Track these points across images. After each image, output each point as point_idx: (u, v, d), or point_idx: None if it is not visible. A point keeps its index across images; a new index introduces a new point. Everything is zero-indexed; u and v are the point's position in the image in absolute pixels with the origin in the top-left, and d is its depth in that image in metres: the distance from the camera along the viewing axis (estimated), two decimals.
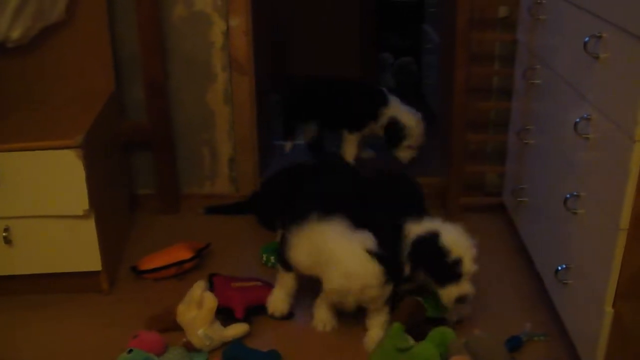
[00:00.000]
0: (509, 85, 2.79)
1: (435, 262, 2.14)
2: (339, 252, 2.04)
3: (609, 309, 1.76)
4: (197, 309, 2.12)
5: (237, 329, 2.17)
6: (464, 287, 2.15)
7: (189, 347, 2.11)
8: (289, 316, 2.31)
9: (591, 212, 1.87)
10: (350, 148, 3.32)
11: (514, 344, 2.13)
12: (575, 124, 1.89)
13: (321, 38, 4.89)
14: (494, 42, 2.89)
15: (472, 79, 2.84)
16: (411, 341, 2.03)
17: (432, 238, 2.15)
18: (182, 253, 2.55)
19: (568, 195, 1.96)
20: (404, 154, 3.27)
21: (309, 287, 2.34)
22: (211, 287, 2.29)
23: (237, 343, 2.14)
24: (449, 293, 2.15)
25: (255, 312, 2.30)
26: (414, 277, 2.21)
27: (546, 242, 2.29)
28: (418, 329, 2.12)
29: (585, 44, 1.81)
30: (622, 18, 1.65)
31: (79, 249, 2.36)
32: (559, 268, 2.04)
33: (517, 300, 2.41)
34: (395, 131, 3.21)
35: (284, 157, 3.45)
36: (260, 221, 2.92)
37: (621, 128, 1.65)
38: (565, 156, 2.08)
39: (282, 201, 2.62)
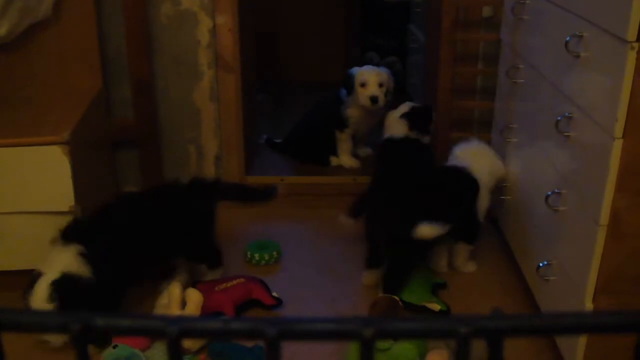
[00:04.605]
0: (493, 85, 2.82)
1: None
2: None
3: (589, 305, 1.78)
4: (178, 308, 2.12)
5: None
6: None
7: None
8: (276, 305, 2.34)
9: (572, 209, 1.90)
10: (344, 145, 3.38)
11: None
12: (557, 122, 1.92)
13: (306, 37, 4.92)
14: (478, 42, 2.92)
15: (456, 78, 2.87)
16: (390, 339, 2.05)
17: None
18: None
19: (549, 193, 1.99)
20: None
21: (303, 280, 2.36)
22: None
23: None
24: None
25: (245, 308, 2.32)
26: None
27: (528, 239, 2.32)
28: None
29: (566, 43, 1.84)
30: (601, 18, 1.68)
31: None
32: (541, 264, 2.07)
33: (500, 296, 2.44)
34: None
35: (270, 155, 3.49)
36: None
37: (601, 126, 1.68)
38: (547, 154, 2.11)
39: None
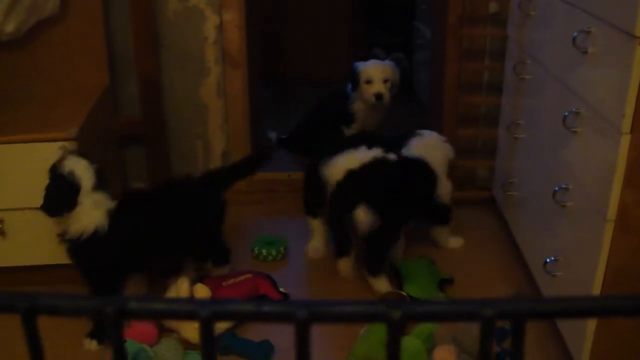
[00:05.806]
0: (500, 81, 2.82)
1: None
2: None
3: None
4: None
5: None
6: None
7: (185, 344, 2.11)
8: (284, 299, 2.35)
9: (579, 205, 1.90)
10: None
11: (500, 334, 2.15)
12: (564, 117, 1.92)
13: (311, 34, 4.91)
14: (485, 38, 2.92)
15: (462, 74, 2.87)
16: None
17: None
18: None
19: (557, 188, 1.99)
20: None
21: (310, 275, 2.36)
22: None
23: (229, 333, 2.16)
24: None
25: None
26: None
27: (535, 235, 2.32)
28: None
29: (574, 38, 1.84)
30: (609, 13, 1.68)
31: None
32: (548, 260, 2.07)
33: (506, 292, 2.44)
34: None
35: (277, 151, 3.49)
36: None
37: (609, 121, 1.68)
38: (555, 150, 2.11)
39: None
